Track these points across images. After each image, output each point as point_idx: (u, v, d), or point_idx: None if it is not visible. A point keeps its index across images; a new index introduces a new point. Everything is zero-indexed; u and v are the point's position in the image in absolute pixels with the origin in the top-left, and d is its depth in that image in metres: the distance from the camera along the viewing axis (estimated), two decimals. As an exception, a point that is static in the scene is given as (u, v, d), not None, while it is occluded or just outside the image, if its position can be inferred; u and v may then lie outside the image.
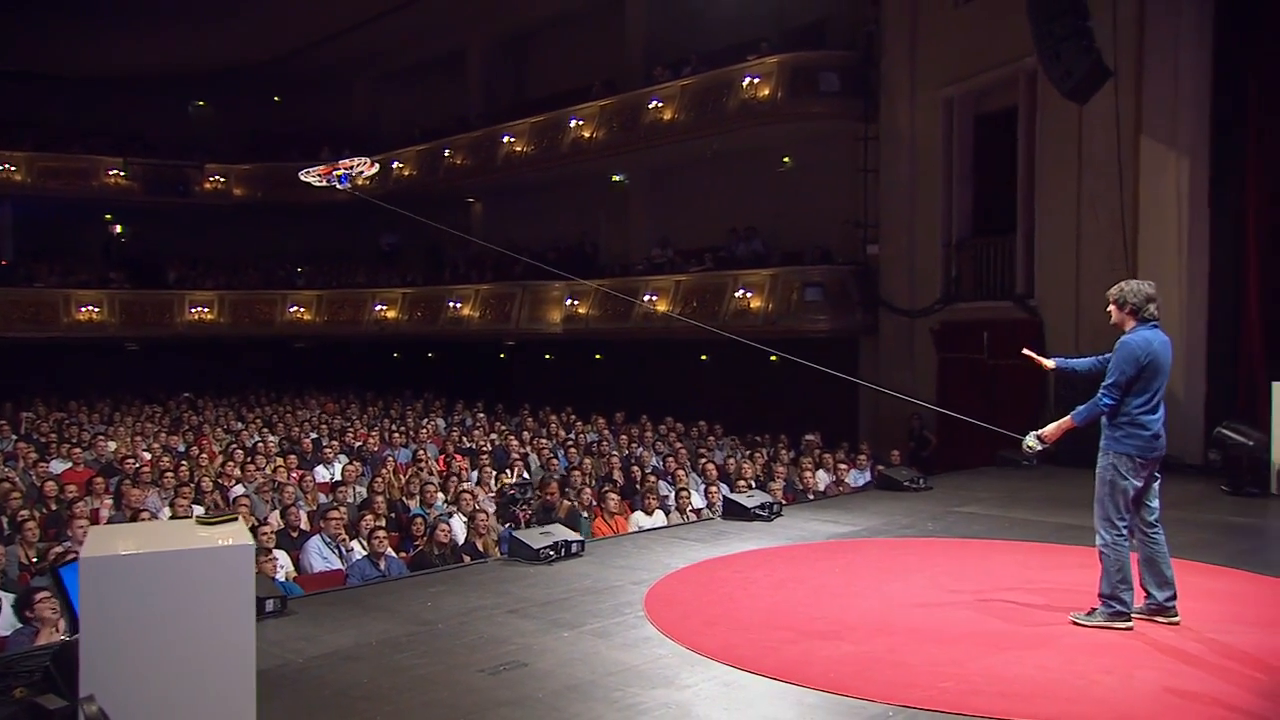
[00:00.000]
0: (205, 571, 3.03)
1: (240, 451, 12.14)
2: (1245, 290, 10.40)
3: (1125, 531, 5.05)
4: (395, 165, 23.87)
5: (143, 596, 3.00)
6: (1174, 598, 5.11)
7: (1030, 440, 5.33)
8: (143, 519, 8.61)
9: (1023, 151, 13.32)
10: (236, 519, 3.43)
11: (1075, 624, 5.13)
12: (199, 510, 9.52)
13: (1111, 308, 5.24)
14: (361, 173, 6.78)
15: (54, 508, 9.16)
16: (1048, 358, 5.60)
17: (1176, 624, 5.06)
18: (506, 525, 8.45)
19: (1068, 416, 5.24)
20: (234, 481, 10.70)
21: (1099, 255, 11.70)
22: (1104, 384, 5.09)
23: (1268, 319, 10.11)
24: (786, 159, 17.92)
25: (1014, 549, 7.08)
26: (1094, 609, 5.14)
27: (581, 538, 7.16)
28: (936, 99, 14.66)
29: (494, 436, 14.57)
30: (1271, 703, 4.05)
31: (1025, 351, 5.70)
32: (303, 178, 6.88)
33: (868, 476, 11.43)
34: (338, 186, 6.70)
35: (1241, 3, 10.50)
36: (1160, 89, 11.05)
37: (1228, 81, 10.67)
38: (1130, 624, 5.04)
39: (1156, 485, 5.17)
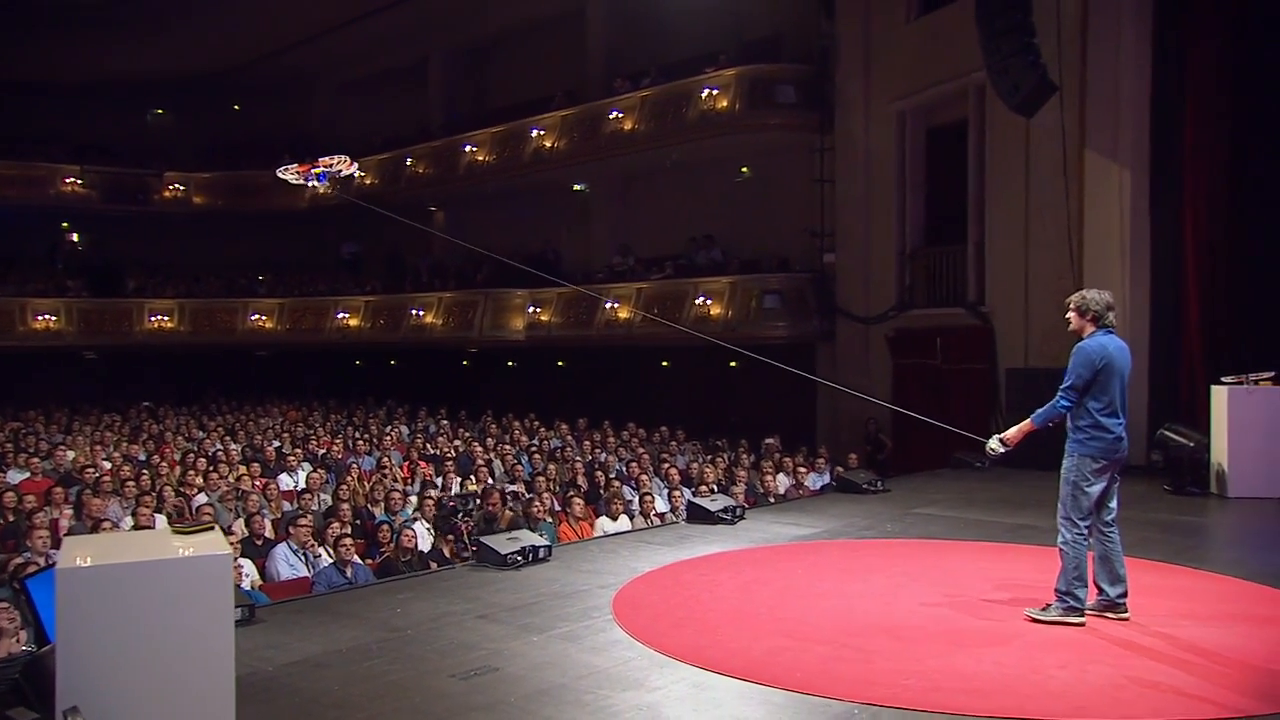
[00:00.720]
0: (185, 581, 2.98)
1: (202, 460, 11.94)
2: (1184, 298, 10.66)
3: (1085, 530, 5.16)
4: (356, 173, 23.64)
5: (122, 608, 2.95)
6: (1125, 594, 5.25)
7: (993, 443, 5.45)
8: (104, 529, 8.45)
9: (973, 163, 13.55)
10: (213, 528, 3.36)
11: (1032, 619, 5.22)
12: (161, 519, 9.36)
13: (1072, 314, 5.36)
14: (340, 171, 6.68)
15: (12, 518, 8.94)
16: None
17: (1126, 619, 5.18)
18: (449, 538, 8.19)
19: (1028, 420, 5.33)
20: (196, 490, 10.52)
21: (1047, 264, 11.93)
22: (1061, 387, 5.20)
23: (1205, 325, 10.37)
24: (745, 169, 18.08)
25: (970, 549, 7.18)
26: (1049, 604, 5.24)
27: (548, 543, 7.15)
28: (890, 112, 14.87)
29: (458, 443, 14.48)
30: (1216, 691, 4.15)
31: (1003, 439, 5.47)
32: (280, 174, 6.80)
33: (826, 479, 11.53)
34: (316, 185, 6.61)
35: (1176, 22, 10.77)
36: (1103, 104, 11.32)
37: (1164, 96, 10.95)
38: (1083, 619, 5.14)
39: (1116, 487, 5.31)
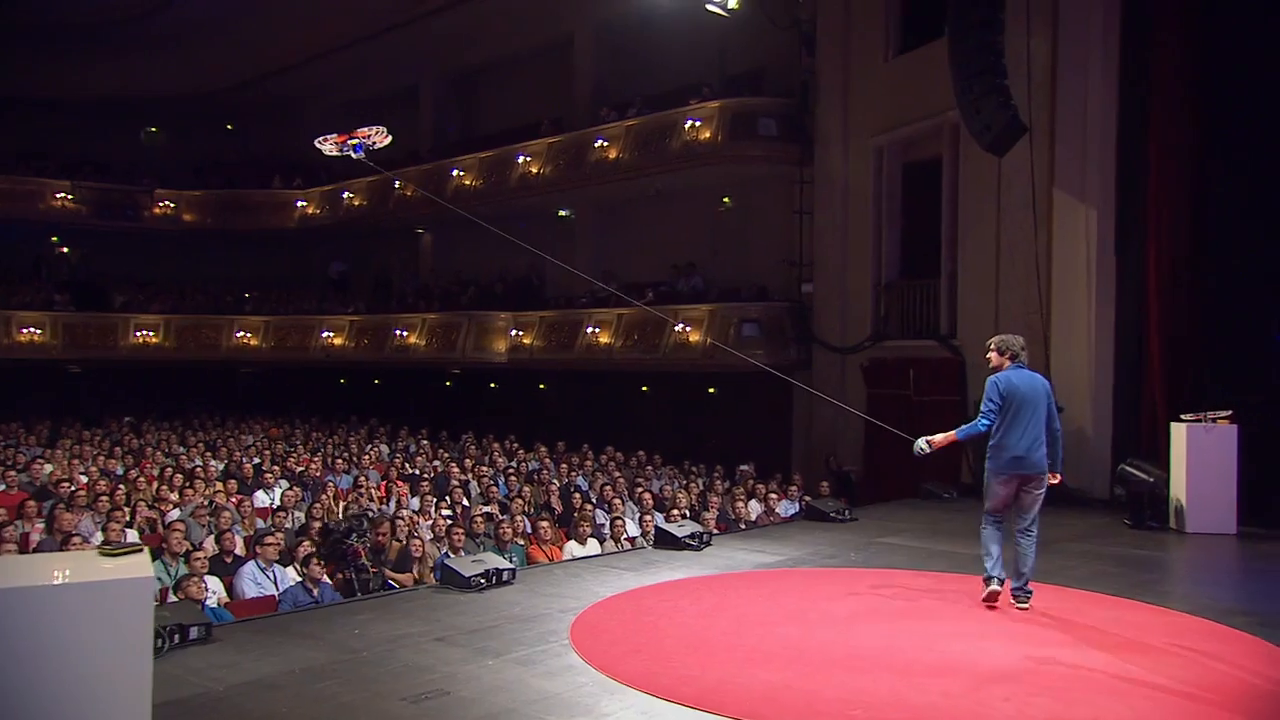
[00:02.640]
0: (99, 606, 2.84)
1: (179, 476, 11.84)
2: (1147, 335, 10.74)
3: (991, 523, 6.21)
4: (346, 195, 23.70)
5: (29, 632, 2.79)
6: (1023, 590, 6.13)
7: (920, 443, 6.23)
8: (74, 544, 8.35)
9: (947, 199, 13.68)
10: (142, 550, 3.28)
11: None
12: (133, 534, 9.28)
13: (993, 354, 6.30)
14: (375, 143, 6.70)
15: (-17, 532, 8.81)
16: (972, 410, 6.35)
17: (1026, 609, 6.06)
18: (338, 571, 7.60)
19: (953, 431, 6.23)
20: (171, 506, 10.43)
21: (1016, 299, 12.03)
22: (981, 411, 6.12)
23: (1167, 363, 10.45)
24: (726, 199, 18.19)
25: (932, 579, 7.18)
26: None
27: (513, 565, 7.12)
28: (868, 147, 15.01)
29: (436, 463, 14.42)
30: (1157, 729, 4.16)
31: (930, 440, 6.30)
32: (317, 144, 6.81)
33: (798, 507, 11.53)
34: (352, 155, 6.64)
35: (1141, 67, 10.94)
36: (1071, 144, 11.47)
37: (1130, 138, 11.09)
38: (996, 590, 6.10)
39: (1033, 501, 6.13)
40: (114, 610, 2.81)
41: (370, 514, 9.21)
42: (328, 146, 6.81)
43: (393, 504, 11.25)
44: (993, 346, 6.31)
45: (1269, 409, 9.77)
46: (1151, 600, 6.49)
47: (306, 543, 7.98)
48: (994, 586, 6.11)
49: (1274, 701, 4.55)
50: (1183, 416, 9.28)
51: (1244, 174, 10.08)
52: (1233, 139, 10.12)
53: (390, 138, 6.79)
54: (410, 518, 9.38)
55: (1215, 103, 10.25)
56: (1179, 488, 9.15)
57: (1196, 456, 9.01)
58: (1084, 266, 11.35)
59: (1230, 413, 9.12)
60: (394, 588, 7.47)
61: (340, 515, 10.16)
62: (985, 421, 6.02)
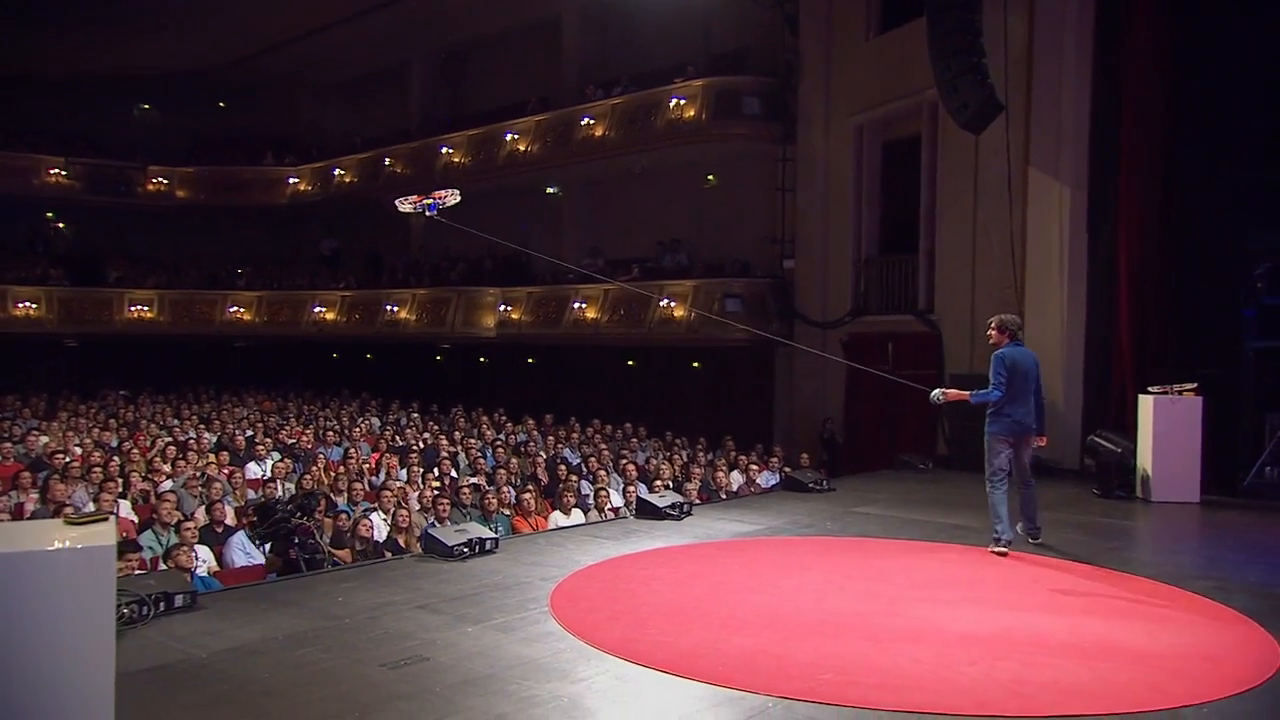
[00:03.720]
0: (56, 576, 2.78)
1: (172, 447, 11.77)
2: (1117, 310, 10.76)
3: (997, 483, 6.80)
4: (337, 172, 23.46)
5: None
6: (1035, 529, 7.05)
7: (936, 394, 6.90)
8: (66, 514, 8.30)
9: (925, 177, 13.63)
10: (107, 519, 3.20)
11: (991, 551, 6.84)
12: (125, 505, 9.23)
13: (993, 331, 7.03)
14: (446, 203, 7.22)
15: (-23, 502, 8.76)
16: (949, 381, 6.90)
17: (1039, 541, 7.00)
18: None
19: (968, 393, 6.89)
20: (164, 477, 10.37)
21: (992, 275, 12.02)
22: (992, 383, 6.79)
23: (1136, 337, 10.48)
24: (710, 176, 18.10)
25: (904, 547, 7.21)
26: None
27: (496, 535, 7.10)
28: (848, 125, 14.93)
29: (426, 436, 14.37)
30: (1114, 687, 4.18)
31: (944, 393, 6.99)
32: (398, 204, 7.44)
33: (777, 478, 11.55)
34: (426, 214, 7.21)
35: (1115, 47, 10.87)
36: (1046, 123, 11.42)
37: (1103, 118, 11.06)
38: (1004, 551, 6.73)
39: (1029, 459, 6.97)
40: (75, 579, 2.78)
41: (318, 493, 8.93)
42: (406, 205, 7.38)
43: (382, 475, 11.22)
44: (994, 325, 7.02)
45: (1232, 382, 9.84)
46: (1117, 566, 6.53)
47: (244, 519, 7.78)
48: (1003, 547, 6.74)
49: (1230, 663, 4.58)
50: (1150, 389, 9.31)
51: (1212, 155, 10.07)
52: (1202, 121, 10.09)
53: (460, 198, 7.28)
54: (399, 488, 9.36)
55: (1186, 84, 10.22)
56: (1145, 458, 9.19)
57: (1163, 428, 9.05)
58: (1057, 243, 11.34)
59: (1195, 385, 9.16)
60: (339, 564, 7.19)
61: (331, 485, 10.14)
62: (998, 392, 6.72)
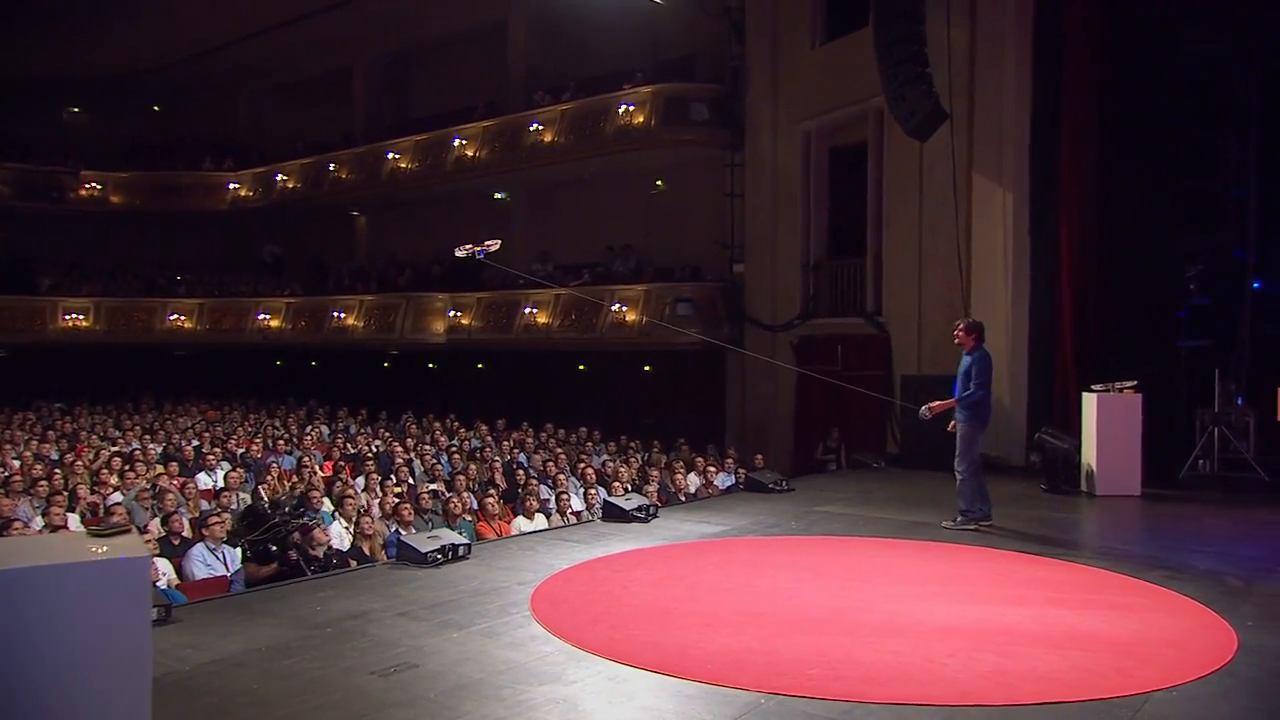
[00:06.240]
0: (101, 584, 2.78)
1: (118, 459, 11.39)
2: (1059, 310, 11.08)
3: (976, 469, 7.49)
4: (279, 178, 23.00)
5: (34, 612, 2.73)
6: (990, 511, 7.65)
7: (923, 411, 7.53)
8: (15, 529, 7.98)
9: (872, 182, 13.88)
10: (130, 530, 3.15)
11: (945, 528, 7.52)
12: (74, 519, 8.91)
13: (961, 332, 7.58)
14: (490, 249, 8.26)
15: (-85, 519, 8.35)
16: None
17: (990, 524, 7.56)
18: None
19: (954, 399, 7.50)
20: (112, 489, 10.03)
21: (938, 278, 12.30)
22: (976, 383, 7.39)
23: (1078, 336, 10.81)
24: (660, 182, 18.19)
25: (868, 544, 7.33)
26: (956, 518, 7.57)
27: (468, 541, 7.03)
28: (796, 131, 15.13)
29: (378, 443, 14.15)
30: (1088, 674, 4.32)
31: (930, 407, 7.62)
32: (456, 252, 8.44)
33: (733, 479, 11.64)
34: (475, 257, 8.39)
35: (1053, 58, 11.21)
36: (988, 130, 11.73)
37: (1043, 125, 11.38)
38: (989, 521, 7.51)
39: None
40: (122, 587, 2.71)
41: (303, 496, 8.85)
42: (462, 252, 8.36)
43: (338, 484, 11.00)
44: (963, 327, 7.59)
45: (1168, 379, 10.22)
46: (1071, 559, 6.73)
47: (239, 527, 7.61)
48: (986, 524, 7.51)
49: (1191, 648, 4.77)
50: (1093, 387, 9.62)
51: (1147, 160, 10.44)
52: (1137, 126, 10.45)
53: (500, 243, 8.47)
54: (360, 497, 9.20)
55: (1121, 92, 10.56)
56: (1090, 454, 9.49)
57: (1105, 424, 9.35)
58: (1001, 247, 11.64)
59: (1135, 383, 9.48)
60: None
61: (287, 495, 9.93)
62: (984, 391, 7.37)
